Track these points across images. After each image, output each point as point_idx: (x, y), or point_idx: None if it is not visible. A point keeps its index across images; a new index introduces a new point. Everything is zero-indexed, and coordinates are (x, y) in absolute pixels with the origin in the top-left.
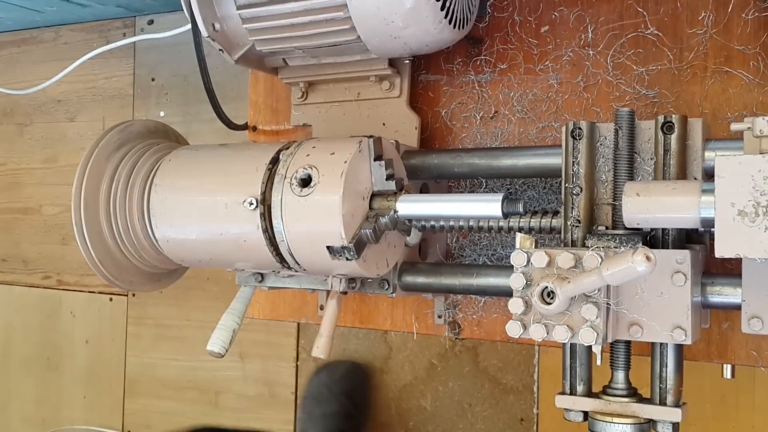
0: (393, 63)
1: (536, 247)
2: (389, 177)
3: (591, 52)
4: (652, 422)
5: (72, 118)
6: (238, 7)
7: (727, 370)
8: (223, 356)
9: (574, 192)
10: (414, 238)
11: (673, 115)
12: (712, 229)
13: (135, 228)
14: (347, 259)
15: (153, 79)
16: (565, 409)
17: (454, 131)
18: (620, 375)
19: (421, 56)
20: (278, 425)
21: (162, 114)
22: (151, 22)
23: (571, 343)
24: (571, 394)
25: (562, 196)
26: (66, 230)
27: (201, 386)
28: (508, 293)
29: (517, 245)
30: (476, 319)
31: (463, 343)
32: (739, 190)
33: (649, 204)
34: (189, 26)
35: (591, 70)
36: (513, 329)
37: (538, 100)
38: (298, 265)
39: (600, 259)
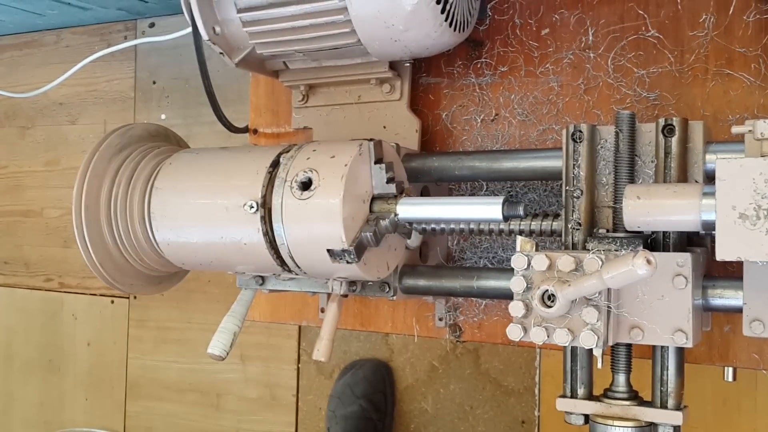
0: (393, 66)
1: (537, 250)
2: (390, 180)
3: (592, 55)
4: (653, 425)
5: (73, 121)
6: (239, 11)
7: (729, 373)
8: (223, 359)
9: (575, 195)
10: (414, 241)
11: (674, 118)
12: (713, 232)
13: (136, 231)
14: (348, 262)
15: (154, 82)
16: (566, 412)
17: (454, 134)
18: (621, 378)
19: (422, 59)
20: (279, 428)
21: (163, 117)
22: (152, 25)
23: (571, 346)
24: (572, 397)
25: (563, 199)
26: (68, 233)
27: (202, 389)
28: (508, 296)
29: (518, 248)
30: (477, 321)
31: (464, 345)
32: (740, 193)
33: (650, 207)
34: (190, 29)
35: (592, 73)
36: (513, 332)
37: (539, 103)
38: (299, 268)
39: (601, 262)
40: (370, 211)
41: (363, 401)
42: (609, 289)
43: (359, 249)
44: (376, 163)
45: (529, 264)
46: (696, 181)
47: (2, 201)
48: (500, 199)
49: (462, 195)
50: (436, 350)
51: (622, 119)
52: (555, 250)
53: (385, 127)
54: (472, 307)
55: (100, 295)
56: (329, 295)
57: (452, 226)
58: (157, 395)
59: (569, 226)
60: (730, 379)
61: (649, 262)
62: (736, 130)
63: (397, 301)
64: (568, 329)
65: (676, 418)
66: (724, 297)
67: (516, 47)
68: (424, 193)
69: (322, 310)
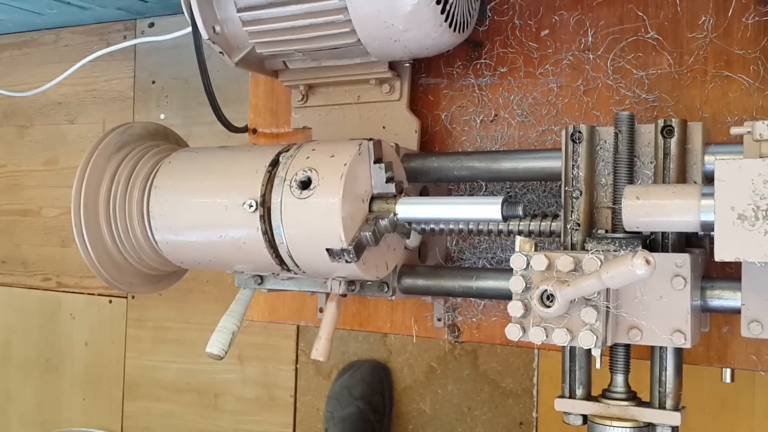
0: (393, 66)
1: (536, 250)
2: (389, 180)
3: (591, 56)
4: (651, 426)
5: (72, 120)
6: (239, 10)
7: (727, 374)
8: (222, 358)
9: (574, 195)
10: (413, 240)
11: (673, 119)
12: (711, 233)
13: (135, 230)
14: (347, 261)
15: (153, 82)
16: (564, 412)
17: (454, 134)
18: (619, 378)
19: (422, 59)
20: (277, 428)
21: (162, 117)
22: (151, 25)
23: (570, 347)
24: (570, 397)
25: (562, 200)
26: (66, 232)
27: (200, 389)
28: (507, 296)
29: (517, 248)
30: (476, 322)
31: (463, 346)
32: (738, 193)
33: (649, 207)
34: (189, 29)
35: (591, 74)
36: (512, 332)
37: (538, 104)
38: (298, 267)
39: (599, 263)
40: (369, 210)
41: (361, 402)
42: (608, 290)
43: (358, 248)
44: (375, 162)
45: (528, 264)
46: (695, 182)
47: (0, 200)
48: (499, 200)
49: (461, 195)
50: (434, 351)
51: (621, 120)
52: (554, 250)
53: (384, 127)
54: (470, 308)
55: (98, 294)
56: (328, 294)
57: (451, 226)
58: (155, 395)
59: (568, 226)
60: (728, 380)
61: (648, 262)
62: (734, 131)
63: (396, 301)
64: (567, 329)
65: (674, 418)
66: (723, 298)
67: (515, 48)
68: (424, 193)
69: (321, 310)
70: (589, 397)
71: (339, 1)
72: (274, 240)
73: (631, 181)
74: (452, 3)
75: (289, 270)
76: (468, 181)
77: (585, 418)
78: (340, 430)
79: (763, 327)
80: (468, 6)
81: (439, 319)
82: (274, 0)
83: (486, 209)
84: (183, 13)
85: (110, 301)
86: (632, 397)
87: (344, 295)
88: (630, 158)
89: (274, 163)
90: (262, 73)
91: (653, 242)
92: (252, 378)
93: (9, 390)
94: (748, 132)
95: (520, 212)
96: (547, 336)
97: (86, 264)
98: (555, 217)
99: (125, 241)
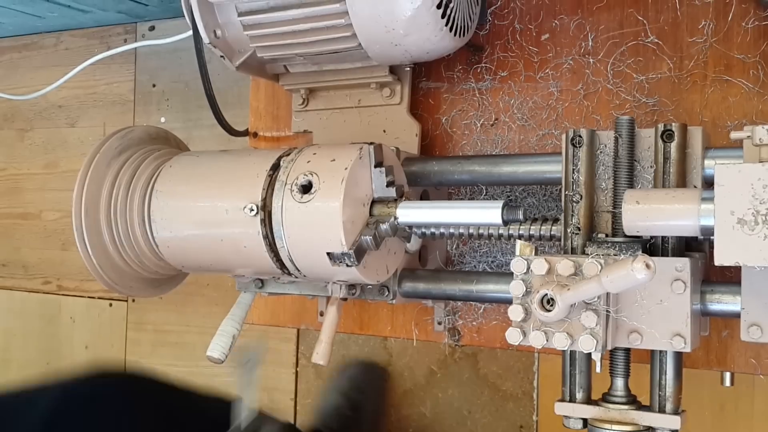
0: (394, 70)
1: (536, 254)
2: (389, 184)
3: (591, 60)
4: (651, 430)
5: (73, 123)
6: (240, 14)
7: (727, 377)
8: (222, 362)
9: (574, 199)
10: (414, 244)
11: (673, 124)
12: (711, 237)
13: (135, 233)
14: (347, 265)
15: (154, 85)
16: (564, 416)
17: (454, 138)
18: (619, 382)
19: (422, 63)
20: None
21: (163, 120)
22: (152, 29)
23: (570, 351)
24: (570, 401)
25: (562, 204)
26: (66, 236)
27: None
28: (507, 300)
29: (517, 252)
30: (476, 326)
31: (463, 349)
32: (738, 198)
33: (649, 212)
34: (190, 32)
35: (591, 78)
36: (513, 336)
37: (539, 108)
38: (298, 271)
39: (600, 267)
40: (370, 214)
41: (340, 397)
42: (608, 294)
43: (359, 252)
44: (376, 166)
45: (528, 268)
46: (695, 187)
47: (0, 203)
48: (500, 204)
49: (461, 199)
50: (434, 354)
51: (621, 124)
52: (554, 254)
53: (384, 131)
54: (471, 312)
55: (99, 297)
56: (328, 298)
57: (452, 230)
58: None
59: (568, 230)
60: (728, 383)
61: (648, 266)
62: (734, 135)
63: (397, 304)
64: (567, 333)
65: (674, 422)
66: (723, 302)
67: (516, 52)
68: (424, 197)
69: (321, 314)
70: (589, 400)
71: (340, 6)
72: (274, 244)
73: (631, 185)
74: (453, 7)
75: (289, 274)
76: (468, 184)
77: (585, 421)
78: (315, 419)
79: (762, 331)
80: (468, 10)
81: (439, 323)
82: (275, 4)
83: (486, 213)
84: (183, 16)
85: (110, 304)
86: (632, 400)
87: (345, 299)
88: (630, 162)
89: (275, 167)
90: (263, 76)
91: (653, 246)
92: None
93: None
94: (748, 136)
95: (521, 216)
96: (547, 340)
97: (87, 267)
98: (555, 221)
99: (126, 245)
